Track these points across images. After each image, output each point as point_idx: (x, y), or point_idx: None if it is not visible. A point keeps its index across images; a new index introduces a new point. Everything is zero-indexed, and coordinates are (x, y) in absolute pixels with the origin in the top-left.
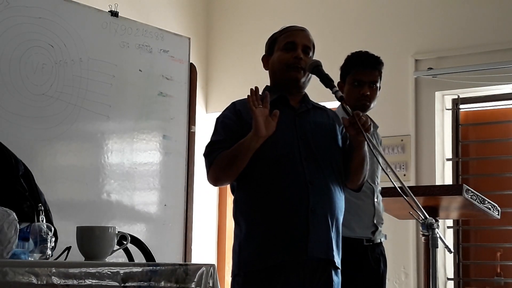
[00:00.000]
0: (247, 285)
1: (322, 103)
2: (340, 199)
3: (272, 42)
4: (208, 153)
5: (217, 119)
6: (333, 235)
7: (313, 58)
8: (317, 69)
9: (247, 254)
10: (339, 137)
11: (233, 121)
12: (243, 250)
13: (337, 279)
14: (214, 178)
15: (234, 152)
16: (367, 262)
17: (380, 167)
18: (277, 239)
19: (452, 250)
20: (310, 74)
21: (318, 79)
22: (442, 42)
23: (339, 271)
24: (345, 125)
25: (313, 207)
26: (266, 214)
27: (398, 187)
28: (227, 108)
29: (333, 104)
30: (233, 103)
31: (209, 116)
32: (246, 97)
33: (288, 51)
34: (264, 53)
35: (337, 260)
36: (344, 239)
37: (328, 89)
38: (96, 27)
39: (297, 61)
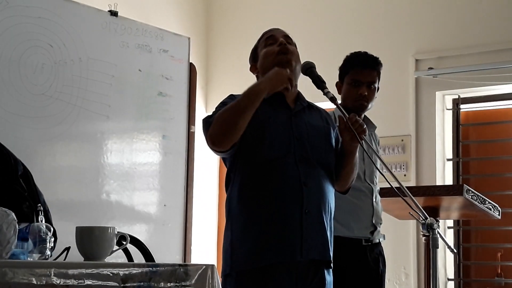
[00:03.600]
0: (239, 284)
1: (317, 104)
2: (333, 200)
3: (254, 51)
4: (208, 116)
5: (217, 107)
6: (328, 235)
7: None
8: (310, 70)
9: (241, 254)
10: (333, 140)
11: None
12: (236, 249)
13: (329, 278)
14: (216, 133)
15: (238, 101)
16: (366, 262)
17: (379, 167)
18: (272, 240)
19: (455, 251)
20: (299, 64)
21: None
22: (442, 42)
23: (331, 270)
24: (340, 129)
25: (307, 209)
26: (260, 215)
27: (397, 187)
28: (226, 98)
29: (327, 104)
30: (233, 95)
31: None
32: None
33: (272, 45)
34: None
35: (331, 259)
36: (343, 239)
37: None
38: (95, 27)
39: (282, 47)
